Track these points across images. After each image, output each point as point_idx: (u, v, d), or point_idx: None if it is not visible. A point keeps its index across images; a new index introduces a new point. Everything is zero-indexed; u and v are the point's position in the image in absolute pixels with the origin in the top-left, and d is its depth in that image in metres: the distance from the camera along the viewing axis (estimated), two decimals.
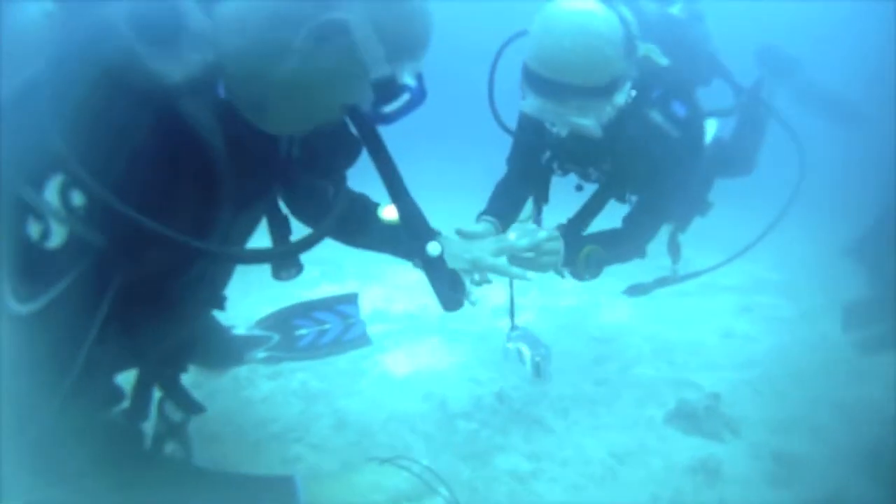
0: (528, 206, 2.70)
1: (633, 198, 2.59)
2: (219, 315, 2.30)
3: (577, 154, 2.47)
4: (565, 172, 2.63)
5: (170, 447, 1.64)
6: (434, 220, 1.61)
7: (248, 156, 1.31)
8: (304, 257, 1.61)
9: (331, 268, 4.20)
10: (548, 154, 2.54)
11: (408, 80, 1.26)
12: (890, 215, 2.78)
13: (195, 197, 1.23)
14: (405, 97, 1.25)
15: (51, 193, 1.08)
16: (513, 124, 2.52)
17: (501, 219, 2.52)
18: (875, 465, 2.16)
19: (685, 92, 2.42)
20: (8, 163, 1.11)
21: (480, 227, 2.44)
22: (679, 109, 2.33)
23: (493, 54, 2.46)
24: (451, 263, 1.86)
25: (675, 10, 2.62)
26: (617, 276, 2.66)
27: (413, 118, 1.29)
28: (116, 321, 1.20)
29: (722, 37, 2.78)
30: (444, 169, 7.75)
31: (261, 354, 2.62)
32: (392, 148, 1.32)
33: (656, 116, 2.32)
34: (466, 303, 1.80)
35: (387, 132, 1.32)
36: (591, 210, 2.53)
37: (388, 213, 1.94)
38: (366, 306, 3.30)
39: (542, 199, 2.66)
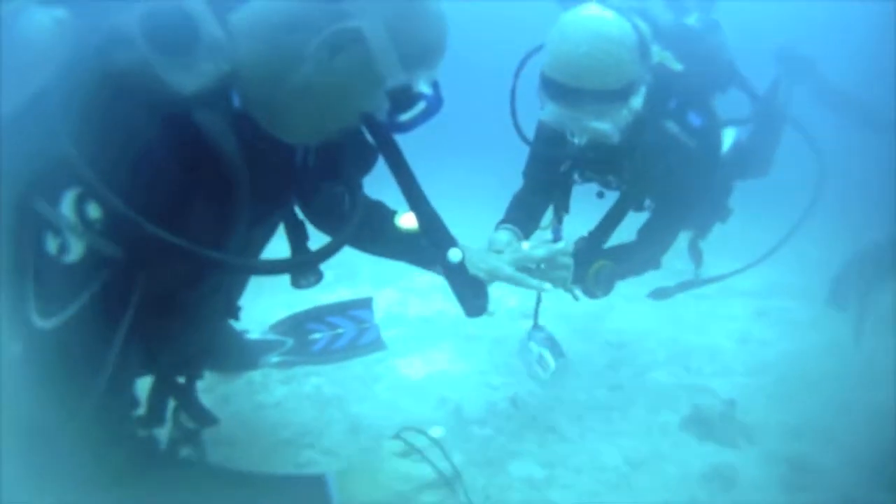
0: (548, 215, 2.70)
1: (652, 205, 2.58)
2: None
3: (597, 162, 2.47)
4: (586, 181, 2.64)
5: (184, 452, 1.64)
6: (450, 227, 1.61)
7: (264, 165, 1.31)
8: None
9: (346, 271, 4.20)
10: (567, 164, 2.55)
11: (424, 88, 1.26)
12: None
13: (212, 208, 1.23)
14: (421, 105, 1.25)
15: (66, 207, 1.08)
16: (531, 136, 2.53)
17: (520, 228, 2.52)
18: (890, 471, 2.14)
19: (701, 102, 2.42)
20: (23, 176, 1.11)
21: (503, 234, 2.45)
22: (695, 119, 2.33)
23: (498, 57, 2.47)
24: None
25: (691, 20, 2.62)
26: (633, 280, 2.64)
27: (430, 126, 1.29)
28: (134, 331, 1.20)
29: (737, 40, 2.76)
30: (459, 178, 7.73)
31: (274, 359, 2.62)
32: (409, 156, 1.32)
33: (672, 127, 2.32)
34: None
35: (402, 140, 1.32)
36: (610, 221, 2.53)
37: (406, 221, 1.94)
38: (380, 310, 3.29)
39: (562, 209, 2.66)
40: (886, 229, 2.90)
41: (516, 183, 2.77)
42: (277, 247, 1.68)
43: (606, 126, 2.16)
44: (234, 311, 1.69)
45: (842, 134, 3.87)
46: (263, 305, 3.23)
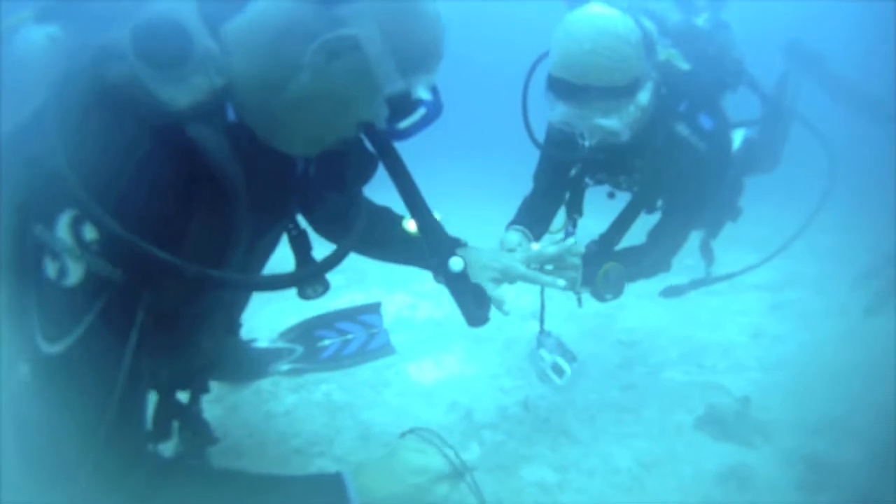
0: (560, 219, 2.68)
1: (663, 206, 2.56)
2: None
3: (608, 164, 2.47)
4: (597, 183, 2.64)
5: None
6: (461, 226, 1.59)
7: (262, 177, 1.29)
8: None
9: (355, 275, 4.19)
10: (578, 168, 2.56)
11: (423, 93, 1.24)
12: None
13: (210, 223, 1.21)
14: (421, 111, 1.23)
15: (62, 230, 1.07)
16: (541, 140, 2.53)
17: (530, 231, 2.52)
18: None
19: (711, 104, 2.40)
20: (19, 199, 1.10)
21: (513, 235, 2.45)
22: (706, 122, 2.32)
23: (510, 55, 2.46)
24: (481, 272, 1.85)
25: (700, 20, 2.61)
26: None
27: (437, 128, 1.27)
28: (142, 350, 1.19)
29: (746, 39, 2.74)
30: (470, 177, 7.72)
31: (284, 367, 2.61)
32: (417, 157, 1.30)
33: (683, 130, 2.31)
34: (499, 312, 1.80)
35: (410, 141, 1.30)
36: (622, 224, 2.54)
37: (413, 225, 1.93)
38: (390, 314, 3.28)
39: (575, 212, 2.64)
40: None
41: (527, 181, 2.75)
42: (282, 256, 1.67)
43: (614, 123, 2.16)
44: (233, 328, 1.67)
45: (849, 125, 3.85)
46: (272, 312, 3.22)
